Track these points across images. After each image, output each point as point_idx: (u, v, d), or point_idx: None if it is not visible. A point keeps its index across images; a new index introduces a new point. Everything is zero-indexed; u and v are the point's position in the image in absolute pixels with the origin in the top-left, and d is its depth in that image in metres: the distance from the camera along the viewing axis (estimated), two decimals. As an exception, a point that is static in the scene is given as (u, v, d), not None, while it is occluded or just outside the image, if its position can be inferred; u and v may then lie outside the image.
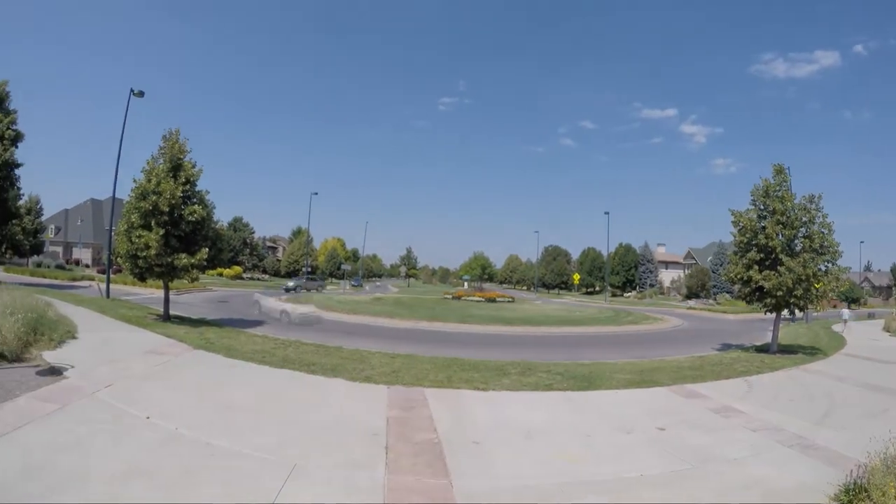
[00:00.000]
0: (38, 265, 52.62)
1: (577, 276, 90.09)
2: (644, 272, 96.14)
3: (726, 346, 20.81)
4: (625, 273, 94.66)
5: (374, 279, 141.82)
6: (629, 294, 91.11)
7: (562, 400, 10.40)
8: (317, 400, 9.58)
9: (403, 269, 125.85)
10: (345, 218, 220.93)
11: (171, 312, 19.68)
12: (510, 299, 56.11)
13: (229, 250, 77.77)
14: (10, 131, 29.61)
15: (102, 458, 5.99)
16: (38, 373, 9.27)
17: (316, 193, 74.51)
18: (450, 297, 56.70)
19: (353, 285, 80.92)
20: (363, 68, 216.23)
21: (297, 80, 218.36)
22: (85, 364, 10.30)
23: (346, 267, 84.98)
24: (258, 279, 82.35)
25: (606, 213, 68.54)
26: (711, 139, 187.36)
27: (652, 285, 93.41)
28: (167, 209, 17.44)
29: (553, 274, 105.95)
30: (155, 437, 6.86)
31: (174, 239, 17.95)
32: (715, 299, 71.21)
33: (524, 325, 28.55)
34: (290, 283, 56.89)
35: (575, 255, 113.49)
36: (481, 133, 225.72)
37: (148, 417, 7.60)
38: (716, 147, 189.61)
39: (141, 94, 27.72)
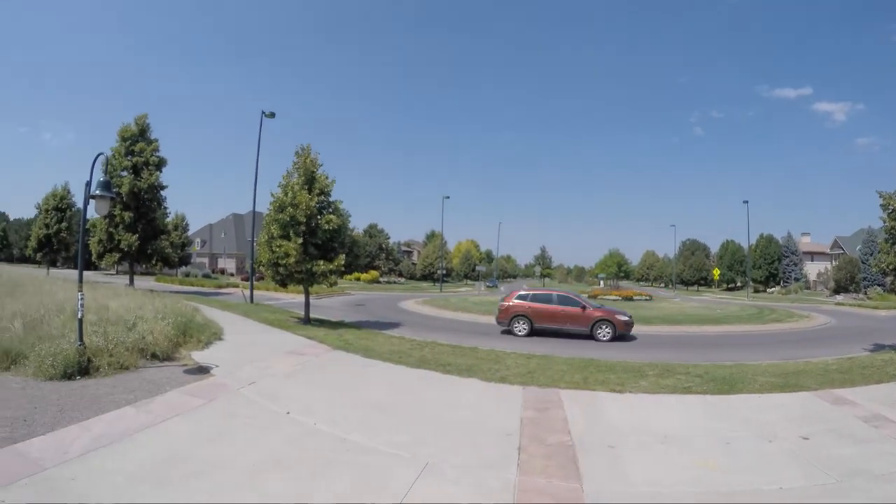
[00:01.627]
0: (186, 275, 58.80)
1: (717, 272, 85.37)
2: (787, 265, 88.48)
3: (878, 347, 18.39)
4: (767, 266, 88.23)
5: (508, 280, 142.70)
6: (772, 289, 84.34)
7: (700, 404, 9.74)
8: (451, 400, 9.60)
9: (538, 269, 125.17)
10: (477, 220, 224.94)
11: (311, 315, 20.84)
12: (648, 297, 54.62)
13: (365, 256, 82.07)
14: (153, 158, 34.70)
15: (243, 449, 6.37)
16: (187, 371, 10.15)
17: (448, 197, 76.00)
18: (586, 296, 55.71)
19: (488, 286, 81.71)
20: (491, 69, 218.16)
21: (428, 86, 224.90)
22: (230, 363, 11.13)
23: (480, 268, 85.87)
24: (394, 283, 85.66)
25: (745, 201, 63.76)
26: (852, 116, 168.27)
27: (797, 279, 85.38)
28: (304, 220, 18.61)
29: (691, 270, 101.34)
30: (294, 432, 7.19)
31: (312, 247, 19.05)
32: (865, 293, 63.33)
33: (663, 325, 27.30)
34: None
35: (714, 248, 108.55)
36: (613, 125, 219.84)
37: (288, 413, 8.00)
38: (858, 125, 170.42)
39: (272, 115, 30.15)
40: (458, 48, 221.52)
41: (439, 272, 79.87)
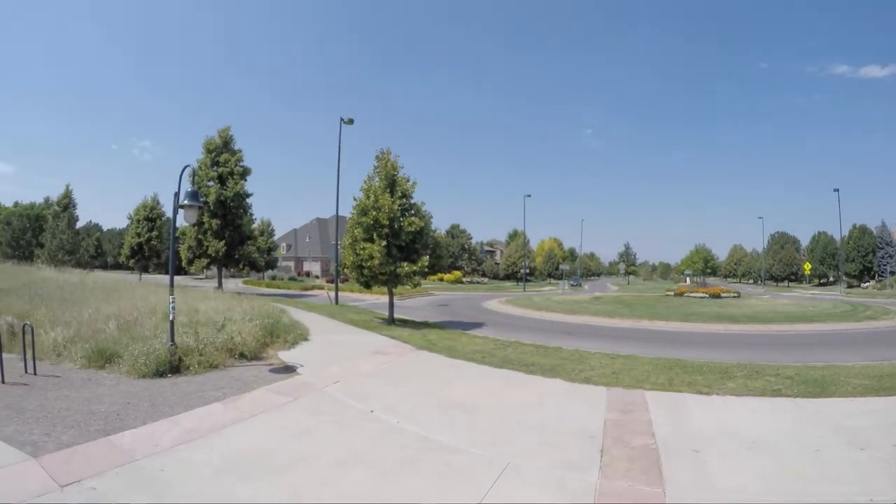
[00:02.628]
0: (273, 278, 61.02)
1: (807, 266, 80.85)
2: (882, 258, 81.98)
3: (980, 346, 16.79)
4: (861, 259, 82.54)
5: (592, 278, 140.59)
6: (867, 284, 78.36)
7: (790, 407, 9.13)
8: (534, 400, 9.46)
9: (622, 267, 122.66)
10: (559, 218, 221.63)
11: (395, 316, 21.13)
12: (735, 294, 51.97)
13: (448, 256, 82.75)
14: (238, 168, 36.43)
15: (327, 445, 6.50)
16: (273, 370, 10.47)
17: (529, 195, 75.13)
18: (671, 293, 54.05)
19: (571, 285, 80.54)
20: (568, 68, 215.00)
21: (506, 90, 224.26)
22: (315, 363, 11.42)
23: (563, 267, 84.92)
24: (477, 283, 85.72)
25: (836, 190, 59.86)
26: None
27: (893, 272, 78.64)
28: (387, 222, 18.92)
29: (781, 264, 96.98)
30: (377, 429, 7.26)
31: (395, 249, 19.33)
32: (965, 286, 57.88)
33: (752, 324, 25.90)
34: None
35: (804, 241, 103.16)
36: (694, 117, 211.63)
37: (372, 411, 8.09)
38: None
39: (350, 121, 30.90)
40: (542, 55, 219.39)
41: (522, 271, 79.47)
